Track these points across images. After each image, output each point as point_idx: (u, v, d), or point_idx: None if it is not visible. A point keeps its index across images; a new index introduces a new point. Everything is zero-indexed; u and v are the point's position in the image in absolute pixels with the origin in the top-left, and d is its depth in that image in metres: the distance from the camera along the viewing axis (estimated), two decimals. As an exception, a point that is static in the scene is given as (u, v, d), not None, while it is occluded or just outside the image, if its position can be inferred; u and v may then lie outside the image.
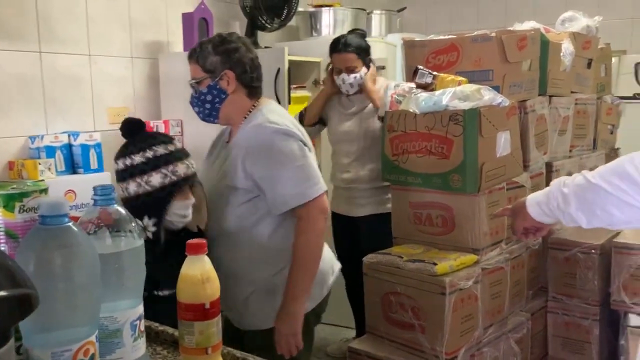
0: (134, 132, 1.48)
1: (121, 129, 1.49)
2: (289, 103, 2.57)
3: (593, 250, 2.15)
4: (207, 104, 1.69)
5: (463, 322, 1.82)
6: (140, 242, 0.77)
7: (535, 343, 2.23)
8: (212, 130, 2.75)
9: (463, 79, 1.97)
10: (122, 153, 1.46)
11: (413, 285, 1.79)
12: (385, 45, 3.50)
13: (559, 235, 2.28)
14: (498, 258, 1.98)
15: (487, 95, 1.83)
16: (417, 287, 1.78)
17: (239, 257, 1.66)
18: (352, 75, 2.56)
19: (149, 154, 1.43)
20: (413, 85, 2.03)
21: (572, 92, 2.47)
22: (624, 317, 2.14)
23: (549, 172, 2.31)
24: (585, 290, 2.17)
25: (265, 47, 2.92)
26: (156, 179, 1.43)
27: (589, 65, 2.59)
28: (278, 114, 1.69)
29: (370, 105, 2.59)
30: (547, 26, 2.37)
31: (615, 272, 2.11)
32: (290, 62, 2.58)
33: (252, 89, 1.71)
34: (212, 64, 1.65)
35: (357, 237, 2.68)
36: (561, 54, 2.31)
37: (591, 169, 2.61)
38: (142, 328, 0.79)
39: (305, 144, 1.65)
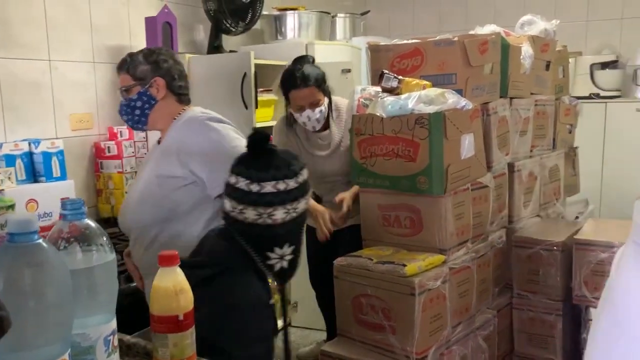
0: (264, 150, 1.30)
1: (253, 140, 1.32)
2: (256, 107, 2.56)
3: (555, 247, 2.21)
4: (136, 110, 1.75)
5: (432, 322, 1.85)
6: (112, 256, 0.76)
7: (501, 339, 2.28)
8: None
9: (427, 82, 2.01)
10: (248, 175, 1.27)
11: (383, 287, 1.81)
12: (350, 48, 3.53)
13: (522, 234, 2.34)
14: (464, 257, 2.03)
15: (451, 99, 1.87)
16: (387, 289, 1.81)
17: (174, 246, 1.39)
18: (318, 110, 2.31)
19: (282, 186, 1.27)
20: (379, 89, 2.05)
21: (531, 93, 2.54)
22: (585, 311, 2.22)
23: (512, 172, 2.37)
24: (548, 287, 2.24)
25: (231, 51, 2.91)
26: (279, 213, 1.28)
27: (547, 67, 2.66)
28: (208, 111, 1.80)
29: (345, 133, 2.36)
30: (507, 29, 2.44)
31: (577, 268, 2.18)
32: (256, 65, 2.57)
33: (182, 95, 1.81)
34: (142, 72, 1.74)
35: (334, 247, 2.37)
36: (521, 56, 2.37)
37: (551, 168, 2.71)
38: (116, 343, 0.78)
39: (236, 130, 1.75)
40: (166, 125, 1.79)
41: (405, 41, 2.16)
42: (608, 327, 0.93)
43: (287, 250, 1.30)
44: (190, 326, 0.86)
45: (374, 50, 2.20)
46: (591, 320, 2.08)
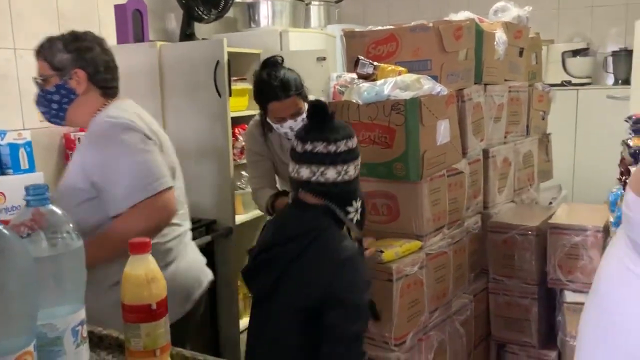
0: (327, 117, 1.44)
1: (313, 111, 1.46)
2: (230, 95, 2.52)
3: (530, 232, 2.24)
4: (53, 104, 1.58)
5: (410, 307, 1.86)
6: (79, 244, 0.73)
7: (478, 323, 2.30)
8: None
9: (403, 69, 2.00)
10: (325, 138, 1.41)
11: (361, 274, 1.81)
12: (325, 36, 3.50)
13: (497, 219, 2.36)
14: (441, 243, 2.03)
15: (427, 85, 1.87)
16: (364, 276, 1.80)
17: None
18: (300, 118, 2.07)
19: (351, 144, 1.44)
20: (355, 75, 2.03)
21: (505, 80, 2.55)
22: (560, 294, 2.25)
23: (486, 159, 2.39)
24: (523, 271, 2.26)
25: (203, 39, 2.86)
26: (352, 169, 1.44)
27: (520, 53, 2.68)
28: (122, 109, 1.57)
29: None
30: (480, 16, 2.44)
31: (551, 251, 2.21)
32: (230, 53, 2.53)
33: (108, 89, 1.63)
34: (61, 61, 1.55)
35: None
36: (495, 43, 2.38)
37: (525, 154, 2.74)
38: (85, 334, 0.75)
39: (149, 138, 1.53)
40: (87, 123, 1.58)
41: (380, 27, 2.14)
42: (594, 314, 0.95)
43: (358, 203, 1.46)
44: (163, 315, 0.83)
45: (349, 37, 2.18)
46: (565, 302, 2.12)
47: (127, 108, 1.59)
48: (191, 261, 1.71)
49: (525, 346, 2.29)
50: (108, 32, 2.85)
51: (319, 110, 1.44)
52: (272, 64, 2.11)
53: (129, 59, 2.66)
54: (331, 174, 1.40)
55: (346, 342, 1.33)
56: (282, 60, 2.15)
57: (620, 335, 0.87)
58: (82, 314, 0.74)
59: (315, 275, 1.35)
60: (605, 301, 0.91)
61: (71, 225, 0.73)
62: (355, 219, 1.46)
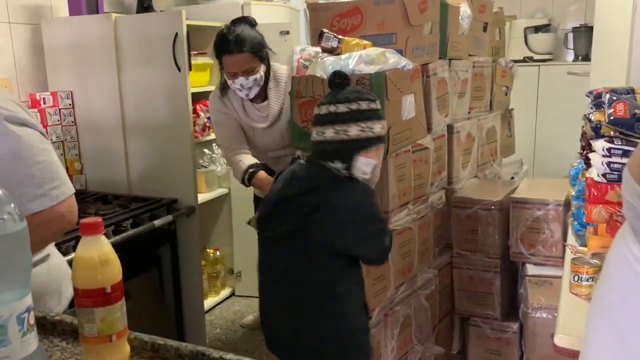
0: (343, 84, 1.54)
1: (330, 79, 1.55)
2: (190, 69, 2.44)
3: (493, 207, 2.26)
4: None
5: (376, 283, 1.85)
6: (21, 225, 0.67)
7: (443, 298, 2.33)
8: (104, 102, 2.57)
9: (368, 42, 1.96)
10: (329, 100, 1.52)
11: (326, 252, 1.79)
12: (289, 10, 3.42)
13: (461, 194, 2.38)
14: (406, 219, 2.03)
15: (392, 59, 1.84)
16: (330, 253, 1.78)
17: None
18: (252, 78, 2.14)
19: (354, 106, 1.49)
20: (319, 49, 1.98)
21: (469, 55, 2.54)
22: (522, 268, 2.29)
23: (451, 134, 2.39)
24: (486, 245, 2.29)
25: (161, 11, 2.75)
26: (354, 130, 1.49)
27: (484, 28, 2.67)
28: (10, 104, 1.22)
29: (286, 102, 2.21)
30: (445, -10, 2.41)
31: (514, 225, 2.24)
32: (189, 26, 2.44)
33: None
34: None
35: None
36: (459, 17, 2.36)
37: (488, 130, 2.75)
38: (32, 321, 0.70)
39: (44, 135, 1.27)
40: None
41: (344, -1, 2.09)
42: (601, 324, 0.91)
43: (342, 166, 1.51)
44: (119, 299, 0.79)
45: (313, 9, 2.13)
46: (527, 276, 2.16)
47: (10, 105, 1.22)
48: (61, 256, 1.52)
49: (488, 319, 2.33)
50: (59, 3, 2.72)
51: (332, 79, 1.55)
52: (238, 21, 2.19)
53: (82, 32, 2.55)
54: (330, 133, 1.50)
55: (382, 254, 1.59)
56: (253, 22, 2.21)
57: (631, 350, 0.82)
58: (28, 300, 0.69)
59: (344, 219, 1.49)
60: (614, 312, 0.85)
61: (12, 205, 0.67)
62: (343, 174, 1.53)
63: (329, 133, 1.50)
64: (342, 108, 1.49)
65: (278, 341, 1.62)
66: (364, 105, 1.51)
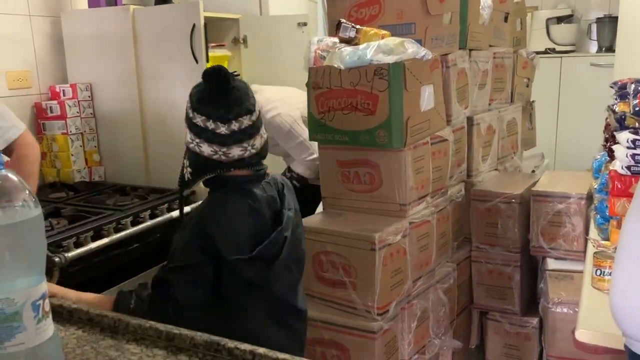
0: (226, 84, 1.29)
1: (208, 77, 1.31)
2: (207, 61, 2.43)
3: (513, 200, 2.22)
4: None
5: (393, 276, 1.83)
6: (37, 212, 0.67)
7: (461, 292, 2.30)
8: (122, 94, 2.58)
9: (386, 32, 1.93)
10: (226, 116, 1.27)
11: (343, 244, 1.77)
12: (307, 1, 3.40)
13: (480, 187, 2.34)
14: (424, 212, 2.00)
15: (411, 49, 1.81)
16: (347, 245, 1.77)
17: None
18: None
19: (254, 116, 1.30)
20: (336, 40, 1.96)
21: (490, 45, 2.50)
22: (542, 262, 2.26)
23: (470, 126, 2.35)
24: (506, 239, 2.26)
25: (178, 3, 2.75)
26: (258, 142, 1.32)
27: (505, 19, 2.63)
28: None
29: None
30: (465, -21, 2.37)
31: (534, 219, 2.20)
32: (207, 18, 2.43)
33: None
34: None
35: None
36: (480, 7, 2.32)
37: (509, 122, 2.71)
38: (48, 308, 0.70)
39: None
40: None
41: (362, -11, 2.06)
42: None
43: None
44: None
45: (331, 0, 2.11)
46: (548, 270, 2.12)
47: None
48: None
49: (507, 313, 2.30)
50: (78, -6, 2.73)
51: (212, 75, 1.32)
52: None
53: (101, 24, 2.56)
54: (206, 149, 1.30)
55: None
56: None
57: None
58: (43, 287, 0.69)
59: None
60: None
61: (28, 192, 0.67)
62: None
63: (236, 152, 1.30)
64: (246, 122, 1.29)
65: None
66: (245, 122, 1.29)
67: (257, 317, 1.33)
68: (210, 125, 1.27)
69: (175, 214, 2.35)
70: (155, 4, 2.76)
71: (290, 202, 1.43)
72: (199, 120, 1.29)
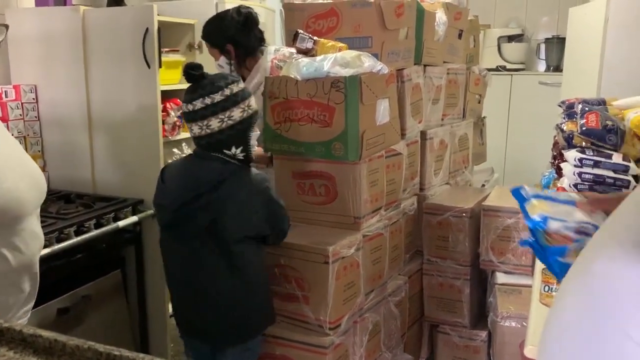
0: (199, 76, 1.59)
1: (185, 73, 1.59)
2: (160, 67, 2.37)
3: (464, 214, 2.25)
4: None
5: (346, 290, 1.82)
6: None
7: (412, 304, 2.32)
8: (69, 97, 2.48)
9: (343, 45, 1.93)
10: (200, 94, 1.56)
11: (296, 257, 1.75)
12: (264, 9, 3.37)
13: (432, 201, 2.37)
14: (378, 225, 2.01)
15: (367, 62, 1.81)
16: (300, 258, 1.75)
17: None
18: (217, 64, 2.25)
19: (227, 92, 1.56)
20: (294, 50, 1.95)
21: (444, 62, 2.54)
22: (491, 276, 2.30)
23: (424, 140, 2.38)
24: (457, 252, 2.28)
25: (132, 6, 2.68)
26: (237, 113, 1.57)
27: (460, 36, 2.68)
28: None
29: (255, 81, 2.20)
30: (421, -4, 2.41)
31: (484, 233, 2.24)
32: (161, 22, 2.37)
33: None
34: None
35: None
36: (435, 23, 2.35)
37: (461, 137, 2.76)
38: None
39: None
40: None
41: (321, 1, 2.06)
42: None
43: (238, 150, 1.61)
44: None
45: (288, 9, 2.09)
46: (497, 284, 2.16)
47: None
48: None
49: (457, 326, 2.33)
50: (25, -7, 2.62)
51: (188, 72, 1.58)
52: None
53: (49, 24, 2.46)
54: (214, 122, 1.56)
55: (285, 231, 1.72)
56: (222, 14, 2.28)
57: None
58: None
59: (251, 209, 1.61)
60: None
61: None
62: (238, 159, 1.63)
63: (215, 123, 1.56)
64: (218, 97, 1.55)
65: (197, 327, 1.71)
66: (235, 88, 1.58)
67: None
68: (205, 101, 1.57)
69: (122, 223, 2.27)
70: (108, 5, 2.68)
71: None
72: (219, 97, 1.56)
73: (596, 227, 1.06)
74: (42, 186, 1.51)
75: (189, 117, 1.60)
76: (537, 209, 1.16)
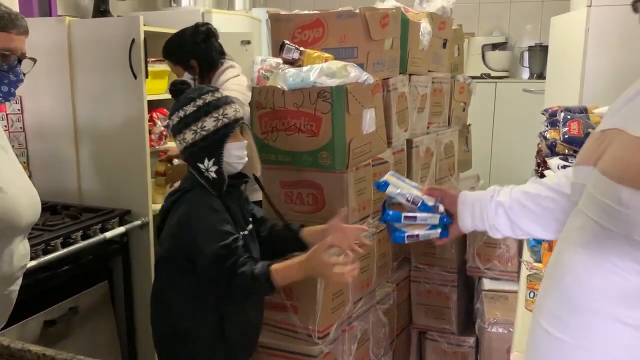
0: (184, 89, 1.58)
1: (170, 91, 1.60)
2: (147, 77, 2.37)
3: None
4: None
5: (334, 299, 1.83)
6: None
7: (400, 312, 2.33)
8: (55, 108, 2.47)
9: (329, 55, 1.95)
10: (175, 109, 1.55)
11: (284, 266, 1.75)
12: (250, 19, 3.40)
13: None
14: (365, 233, 2.01)
15: (353, 73, 1.83)
16: (288, 268, 1.75)
17: None
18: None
19: (199, 102, 1.52)
20: (280, 60, 1.96)
21: (429, 70, 2.57)
22: (478, 282, 2.32)
23: (410, 149, 2.40)
24: (444, 259, 2.30)
25: (118, 16, 2.68)
26: (209, 123, 1.50)
27: (444, 45, 2.71)
28: None
29: None
30: (406, 6, 2.44)
31: (470, 240, 2.26)
32: (147, 33, 2.38)
33: None
34: None
35: None
36: (420, 33, 2.38)
37: (446, 145, 2.79)
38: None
39: None
40: None
41: (307, 11, 2.08)
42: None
43: (210, 162, 1.51)
44: None
45: (275, 20, 2.11)
46: (484, 290, 2.18)
47: None
48: None
49: (445, 333, 2.34)
50: (10, 4, 2.60)
51: (172, 88, 1.59)
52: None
53: (33, 35, 2.41)
54: (189, 135, 1.52)
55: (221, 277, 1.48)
56: (189, 30, 2.38)
57: None
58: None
59: (166, 232, 1.56)
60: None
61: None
62: (210, 177, 1.52)
63: (189, 135, 1.52)
64: (190, 108, 1.52)
65: None
66: (208, 97, 1.54)
67: None
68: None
69: (109, 234, 2.26)
70: (93, 16, 2.68)
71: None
72: (190, 108, 1.53)
73: (423, 202, 1.32)
74: (38, 208, 1.54)
75: (172, 133, 1.58)
76: (386, 178, 1.42)
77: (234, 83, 2.36)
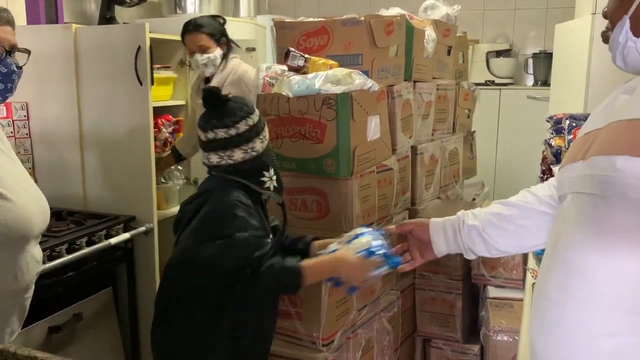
0: (220, 99, 1.52)
1: (205, 98, 1.52)
2: (152, 84, 2.38)
3: (455, 228, 2.26)
4: None
5: (338, 306, 1.83)
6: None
7: (405, 319, 2.32)
8: (61, 114, 2.49)
9: (334, 62, 1.96)
10: (224, 124, 1.49)
11: (289, 273, 1.75)
12: (255, 26, 3.41)
13: (424, 215, 2.38)
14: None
15: (358, 80, 1.83)
16: (293, 275, 1.75)
17: None
18: (206, 55, 2.50)
19: (250, 122, 1.50)
20: (285, 67, 1.97)
21: (433, 77, 2.58)
22: (483, 290, 2.31)
23: (414, 155, 2.40)
24: (448, 267, 2.30)
25: (124, 23, 2.70)
26: (258, 144, 1.52)
27: (448, 52, 2.72)
28: None
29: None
30: (410, 14, 2.44)
31: (475, 247, 2.25)
32: (153, 40, 2.39)
33: None
34: None
35: None
36: (424, 40, 2.39)
37: (451, 151, 2.79)
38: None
39: None
40: None
41: (311, 19, 2.09)
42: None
43: (271, 172, 1.56)
44: None
45: (280, 27, 2.12)
46: (488, 298, 2.17)
47: None
48: None
49: (449, 341, 2.33)
50: (17, 11, 2.62)
51: (212, 97, 1.52)
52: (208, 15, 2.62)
53: (40, 42, 2.46)
54: (238, 154, 1.50)
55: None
56: (217, 16, 2.62)
57: None
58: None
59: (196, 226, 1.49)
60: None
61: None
62: (271, 187, 1.57)
63: (238, 154, 1.51)
64: (242, 127, 1.49)
65: None
66: (255, 117, 1.52)
67: None
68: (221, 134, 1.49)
69: (114, 240, 2.27)
70: (99, 23, 2.69)
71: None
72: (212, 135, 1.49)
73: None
74: (47, 213, 1.55)
75: (211, 145, 1.51)
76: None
77: (245, 67, 2.59)
